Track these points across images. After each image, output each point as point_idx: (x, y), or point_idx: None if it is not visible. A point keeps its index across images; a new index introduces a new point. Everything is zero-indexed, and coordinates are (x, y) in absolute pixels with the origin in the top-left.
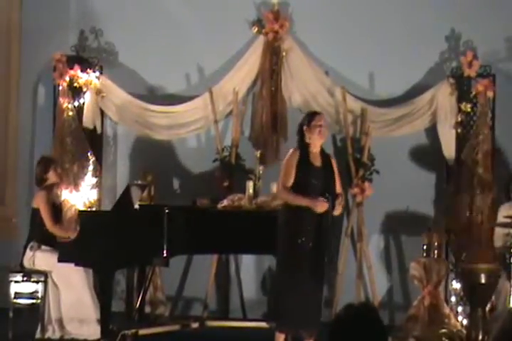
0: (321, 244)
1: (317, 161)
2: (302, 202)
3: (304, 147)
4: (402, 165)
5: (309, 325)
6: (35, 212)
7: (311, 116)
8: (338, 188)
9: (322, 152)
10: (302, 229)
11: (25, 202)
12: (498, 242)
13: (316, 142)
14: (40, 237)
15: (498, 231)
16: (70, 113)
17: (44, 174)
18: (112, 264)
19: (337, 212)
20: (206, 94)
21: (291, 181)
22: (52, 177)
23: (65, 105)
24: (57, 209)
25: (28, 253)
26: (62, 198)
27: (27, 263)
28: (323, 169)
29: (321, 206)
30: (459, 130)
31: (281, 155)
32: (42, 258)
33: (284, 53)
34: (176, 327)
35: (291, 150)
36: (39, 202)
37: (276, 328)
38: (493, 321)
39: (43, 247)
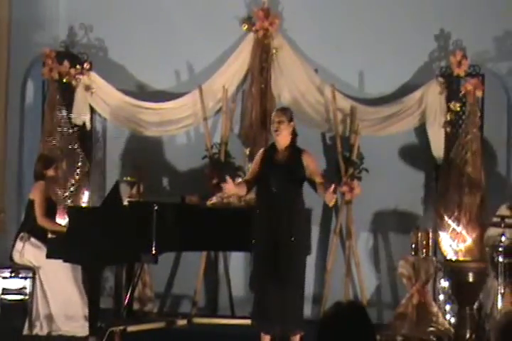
0: (278, 242)
1: (282, 158)
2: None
3: (270, 146)
4: (392, 163)
5: (285, 324)
6: (31, 204)
7: None
8: (318, 179)
9: (292, 148)
10: (256, 228)
11: (14, 197)
12: (489, 241)
13: (275, 138)
14: (32, 229)
15: (490, 230)
16: (59, 109)
17: (45, 169)
18: (100, 261)
19: (331, 202)
20: (196, 91)
21: (248, 177)
22: (51, 172)
23: (53, 101)
24: (51, 204)
25: (18, 244)
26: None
27: (17, 255)
28: (287, 166)
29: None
30: (448, 129)
31: None
32: (31, 253)
33: (273, 51)
34: (164, 324)
35: (260, 150)
36: (35, 193)
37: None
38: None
39: (33, 240)
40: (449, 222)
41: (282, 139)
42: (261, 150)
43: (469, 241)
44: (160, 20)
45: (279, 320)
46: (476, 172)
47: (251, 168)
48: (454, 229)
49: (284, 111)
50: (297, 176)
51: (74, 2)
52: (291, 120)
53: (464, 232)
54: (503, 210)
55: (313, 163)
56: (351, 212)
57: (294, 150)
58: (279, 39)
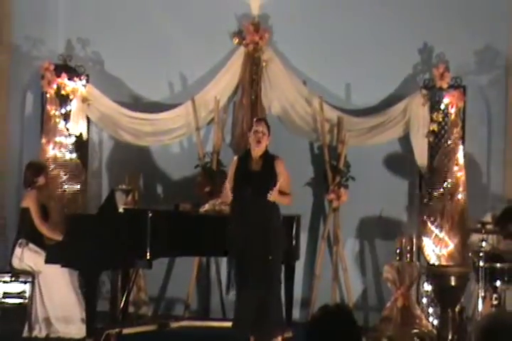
0: (251, 250)
1: (257, 166)
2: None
3: (244, 153)
4: (377, 172)
5: (261, 332)
6: (24, 212)
7: (254, 122)
8: (283, 190)
9: (266, 156)
10: (231, 235)
11: (14, 204)
12: (472, 246)
13: (254, 148)
14: (29, 235)
15: (473, 236)
16: (57, 120)
17: (34, 177)
18: (97, 266)
19: (271, 196)
20: (189, 103)
21: (229, 186)
22: (41, 180)
23: (52, 112)
24: (44, 211)
25: (17, 250)
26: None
27: (17, 260)
28: (261, 173)
29: None
30: (431, 139)
31: None
32: (30, 258)
33: (263, 64)
34: (158, 327)
35: (234, 158)
36: (29, 201)
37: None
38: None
39: (31, 245)
40: (432, 228)
41: (261, 150)
42: (235, 158)
43: (451, 246)
44: (154, 34)
45: (254, 328)
46: (457, 180)
47: (229, 176)
48: (436, 235)
49: (266, 123)
50: (271, 184)
51: (72, 17)
52: (269, 134)
53: (446, 238)
54: (488, 218)
55: (285, 173)
56: (338, 219)
57: (268, 157)
58: (269, 52)
